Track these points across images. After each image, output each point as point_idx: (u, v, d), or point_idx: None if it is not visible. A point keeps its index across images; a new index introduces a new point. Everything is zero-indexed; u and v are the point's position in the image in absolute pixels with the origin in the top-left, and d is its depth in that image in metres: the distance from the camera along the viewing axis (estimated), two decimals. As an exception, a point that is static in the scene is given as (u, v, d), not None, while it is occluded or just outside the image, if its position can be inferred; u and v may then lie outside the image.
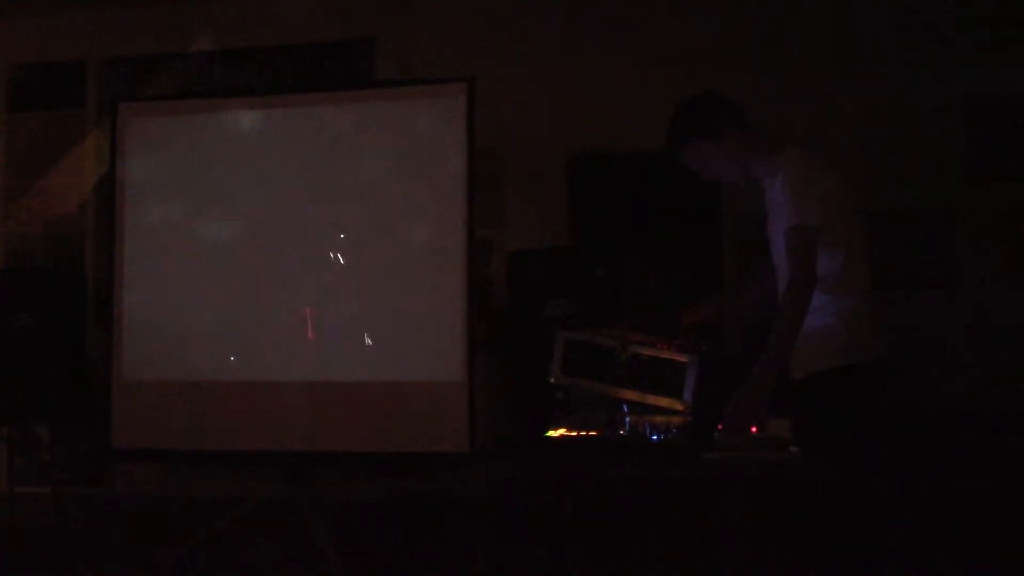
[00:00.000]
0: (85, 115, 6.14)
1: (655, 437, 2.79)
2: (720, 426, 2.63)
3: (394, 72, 5.66)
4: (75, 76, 6.15)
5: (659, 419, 2.83)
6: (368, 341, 4.34)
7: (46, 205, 6.12)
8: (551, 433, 2.92)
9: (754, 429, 2.61)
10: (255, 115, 4.62)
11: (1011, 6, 5.10)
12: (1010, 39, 5.10)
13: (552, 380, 3.05)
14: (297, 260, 4.44)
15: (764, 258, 3.04)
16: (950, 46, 5.14)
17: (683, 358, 2.85)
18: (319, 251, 4.43)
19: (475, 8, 5.69)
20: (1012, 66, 5.10)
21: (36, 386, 4.95)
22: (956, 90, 5.14)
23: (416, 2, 5.76)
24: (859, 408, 2.71)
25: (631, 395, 2.90)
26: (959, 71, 5.13)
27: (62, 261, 6.04)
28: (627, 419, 2.86)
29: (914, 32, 5.19)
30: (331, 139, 4.50)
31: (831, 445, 2.63)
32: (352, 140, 4.49)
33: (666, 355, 2.89)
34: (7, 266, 6.08)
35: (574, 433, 2.91)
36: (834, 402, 2.71)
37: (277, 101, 4.71)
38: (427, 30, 5.72)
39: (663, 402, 2.86)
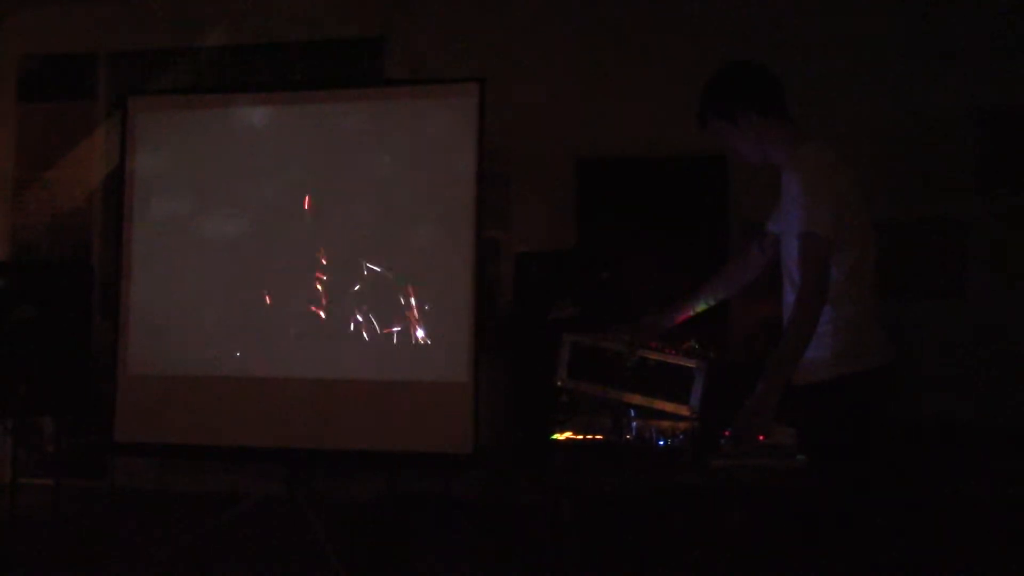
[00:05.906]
0: (95, 107, 6.14)
1: (661, 442, 2.78)
2: (727, 433, 2.61)
3: (403, 72, 5.65)
4: (86, 68, 6.15)
5: (665, 424, 2.81)
6: (370, 340, 4.33)
7: (54, 197, 6.12)
8: (556, 436, 2.90)
9: (761, 437, 2.60)
10: (265, 111, 4.62)
11: (1022, 16, 5.08)
12: (1021, 49, 5.09)
13: (558, 383, 3.04)
14: (304, 257, 4.44)
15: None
16: (961, 56, 5.13)
17: (691, 363, 2.84)
18: (326, 248, 4.42)
19: (485, 10, 5.68)
20: (1023, 76, 5.08)
21: (40, 378, 4.95)
22: (967, 100, 5.13)
23: (426, 2, 5.76)
24: (862, 417, 2.68)
25: (637, 399, 2.89)
26: (970, 81, 5.12)
27: (69, 253, 6.04)
28: (633, 424, 2.84)
29: (925, 42, 5.17)
30: (340, 137, 4.50)
31: (834, 454, 2.61)
32: (361, 139, 4.49)
33: (674, 360, 2.88)
34: (14, 257, 6.09)
35: (579, 437, 2.90)
36: (835, 411, 2.69)
37: (287, 98, 4.71)
38: (437, 30, 5.70)
39: (669, 407, 2.85)
